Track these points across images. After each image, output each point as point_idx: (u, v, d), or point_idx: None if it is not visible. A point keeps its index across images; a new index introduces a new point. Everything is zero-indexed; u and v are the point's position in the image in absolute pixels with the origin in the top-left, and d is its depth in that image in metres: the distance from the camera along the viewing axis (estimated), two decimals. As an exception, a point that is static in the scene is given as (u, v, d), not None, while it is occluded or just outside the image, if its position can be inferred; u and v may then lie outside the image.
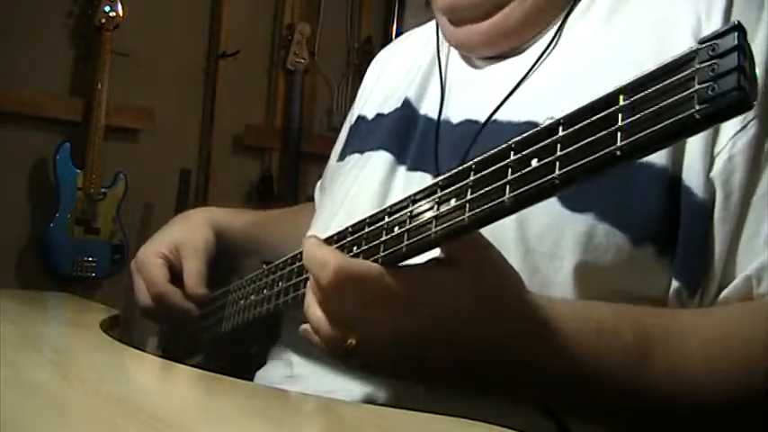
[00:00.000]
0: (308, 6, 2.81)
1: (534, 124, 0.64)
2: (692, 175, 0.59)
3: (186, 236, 0.87)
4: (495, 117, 0.68)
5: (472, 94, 0.73)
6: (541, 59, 0.68)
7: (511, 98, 0.68)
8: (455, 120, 0.72)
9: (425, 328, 0.52)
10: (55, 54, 2.29)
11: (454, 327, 0.52)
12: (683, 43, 0.61)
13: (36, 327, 0.78)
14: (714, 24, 0.61)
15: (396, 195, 0.72)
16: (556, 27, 0.69)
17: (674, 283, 0.59)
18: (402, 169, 0.73)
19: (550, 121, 0.63)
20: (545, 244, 0.59)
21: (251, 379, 0.78)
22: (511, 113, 0.67)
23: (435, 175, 0.69)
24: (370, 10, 2.99)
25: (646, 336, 0.55)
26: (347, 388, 0.62)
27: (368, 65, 0.96)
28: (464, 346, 0.52)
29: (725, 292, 0.59)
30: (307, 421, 0.46)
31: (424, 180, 0.70)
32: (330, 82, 2.91)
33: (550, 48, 0.68)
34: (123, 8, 2.26)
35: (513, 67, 0.71)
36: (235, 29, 2.60)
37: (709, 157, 0.59)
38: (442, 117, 0.74)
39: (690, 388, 0.55)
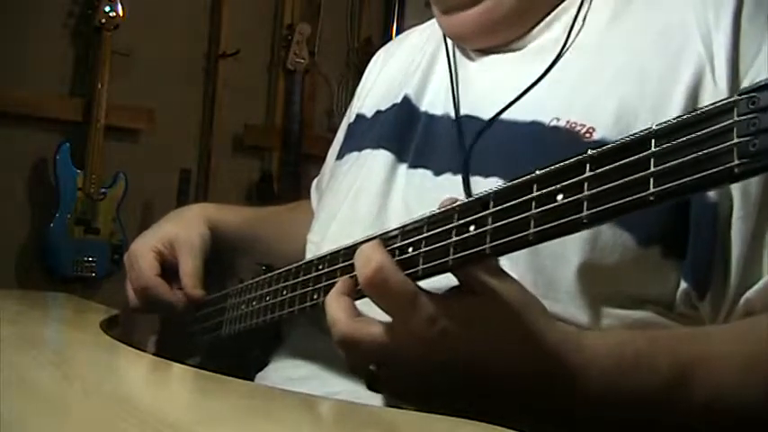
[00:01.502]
0: (308, 6, 2.82)
1: (540, 125, 0.64)
2: None
3: (181, 232, 0.86)
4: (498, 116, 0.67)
5: (474, 90, 0.73)
6: (556, 61, 0.67)
7: (521, 97, 0.67)
8: (455, 115, 0.72)
9: (448, 359, 0.50)
10: (55, 54, 2.29)
11: (479, 359, 0.50)
12: (692, 51, 0.61)
13: (36, 327, 0.78)
14: (723, 32, 0.60)
15: (397, 193, 0.72)
16: (559, 24, 0.69)
17: (683, 284, 0.58)
18: (403, 167, 0.73)
19: (557, 122, 0.63)
20: (550, 244, 0.59)
21: (251, 381, 0.77)
22: (515, 112, 0.66)
23: (437, 173, 0.70)
24: (370, 10, 2.99)
25: (682, 364, 0.54)
26: (348, 391, 0.62)
27: (368, 65, 0.96)
28: (488, 381, 0.51)
29: (749, 294, 0.58)
30: (307, 421, 0.46)
31: (425, 177, 0.70)
32: (330, 82, 2.91)
33: (562, 49, 0.67)
34: (123, 8, 2.26)
35: (516, 63, 0.70)
36: (235, 29, 2.60)
37: None
38: (442, 113, 0.74)
39: (730, 411, 0.54)
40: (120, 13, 2.26)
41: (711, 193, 0.58)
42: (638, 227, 0.58)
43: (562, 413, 0.52)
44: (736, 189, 0.57)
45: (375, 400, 0.58)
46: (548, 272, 0.58)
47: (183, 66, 2.54)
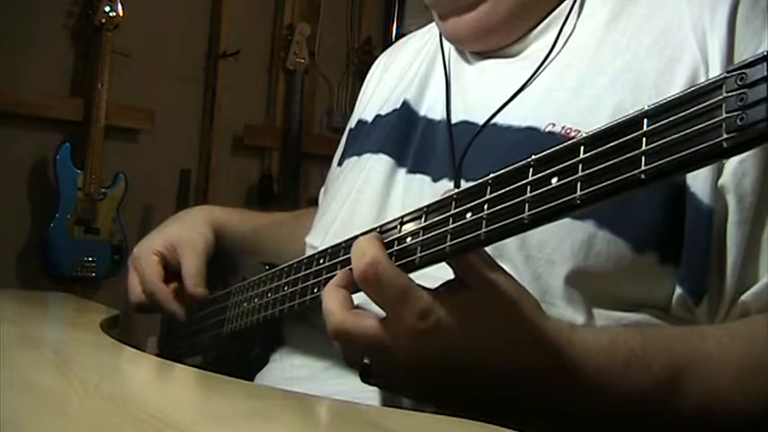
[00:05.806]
0: (308, 6, 2.82)
1: (535, 130, 0.64)
2: (698, 182, 0.58)
3: (185, 234, 0.86)
4: (494, 120, 0.67)
5: (470, 94, 0.73)
6: (543, 66, 0.67)
7: (510, 102, 0.67)
8: (453, 120, 0.72)
9: (440, 352, 0.50)
10: (55, 54, 2.29)
11: (470, 352, 0.50)
12: (687, 54, 0.61)
13: (36, 327, 0.78)
14: (718, 35, 0.60)
15: (396, 199, 0.72)
16: (554, 28, 0.69)
17: (678, 290, 0.58)
18: (402, 172, 0.73)
19: (552, 127, 0.63)
20: (545, 251, 0.59)
21: (251, 380, 0.78)
22: (511, 117, 0.66)
23: (435, 179, 0.70)
24: (370, 10, 3.00)
25: (675, 364, 0.54)
26: (347, 391, 0.62)
27: (368, 65, 0.96)
28: (481, 375, 0.50)
29: (745, 297, 0.58)
30: (306, 421, 0.46)
31: (423, 183, 0.70)
32: (330, 82, 2.92)
33: (553, 53, 0.68)
34: (123, 8, 2.26)
35: (511, 69, 0.70)
36: (235, 29, 2.61)
37: (718, 163, 0.58)
38: (440, 117, 0.74)
39: (723, 414, 0.54)
40: (120, 13, 2.26)
41: (706, 199, 0.58)
42: (632, 233, 0.58)
43: (552, 408, 0.52)
44: (730, 194, 0.57)
45: (374, 401, 0.58)
46: (543, 279, 0.59)
47: (183, 66, 2.54)
